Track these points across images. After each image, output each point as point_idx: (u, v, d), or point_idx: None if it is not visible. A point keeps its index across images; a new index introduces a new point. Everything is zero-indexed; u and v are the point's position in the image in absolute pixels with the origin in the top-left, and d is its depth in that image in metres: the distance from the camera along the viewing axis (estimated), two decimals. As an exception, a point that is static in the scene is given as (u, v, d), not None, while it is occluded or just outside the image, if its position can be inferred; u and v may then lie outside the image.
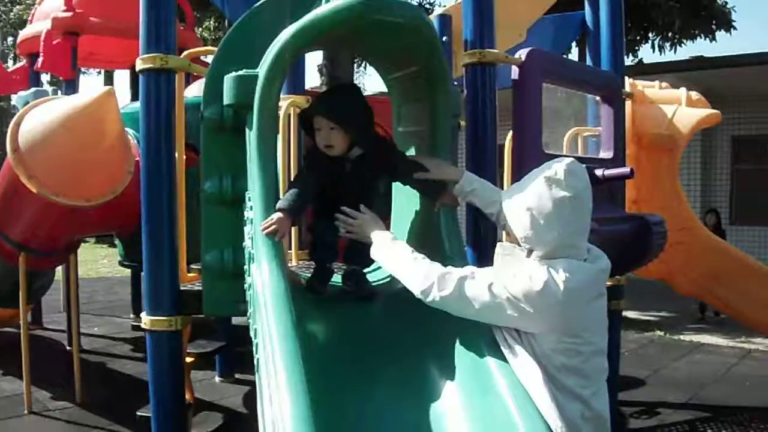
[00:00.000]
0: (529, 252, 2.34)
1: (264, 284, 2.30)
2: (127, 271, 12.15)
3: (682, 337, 9.32)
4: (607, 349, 2.50)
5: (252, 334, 2.48)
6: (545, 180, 2.31)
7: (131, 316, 9.71)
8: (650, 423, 5.96)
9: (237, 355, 6.93)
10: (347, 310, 2.78)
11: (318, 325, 2.65)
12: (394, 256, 2.48)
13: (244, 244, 2.73)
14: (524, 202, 2.33)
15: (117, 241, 6.60)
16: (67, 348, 7.72)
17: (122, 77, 30.35)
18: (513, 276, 2.27)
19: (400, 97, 3.17)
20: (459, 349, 2.42)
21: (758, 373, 7.59)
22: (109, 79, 22.12)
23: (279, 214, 2.51)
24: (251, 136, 2.67)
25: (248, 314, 2.66)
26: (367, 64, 18.16)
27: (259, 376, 2.23)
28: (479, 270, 2.37)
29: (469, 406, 2.26)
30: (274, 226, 2.48)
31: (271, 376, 2.00)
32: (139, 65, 3.18)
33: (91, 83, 24.71)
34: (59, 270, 8.40)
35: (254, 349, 2.38)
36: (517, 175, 3.49)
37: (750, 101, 13.42)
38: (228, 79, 2.73)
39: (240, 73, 2.70)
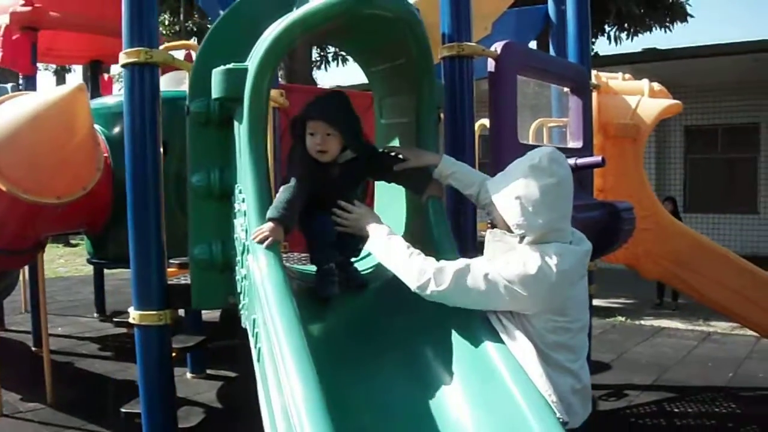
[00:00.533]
0: (521, 238, 2.42)
1: (263, 275, 2.34)
2: (86, 270, 12.06)
3: (642, 322, 9.57)
4: None
5: (248, 324, 2.50)
6: (530, 169, 2.41)
7: (95, 315, 9.61)
8: (619, 405, 6.13)
9: (207, 352, 6.94)
10: (340, 299, 2.82)
11: (313, 314, 2.68)
12: (390, 251, 2.51)
13: (235, 235, 2.75)
14: (513, 192, 2.42)
15: (84, 238, 6.52)
16: (33, 349, 7.62)
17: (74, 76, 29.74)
18: (506, 263, 2.36)
19: (383, 89, 3.22)
20: (455, 332, 2.48)
21: (718, 354, 7.84)
22: (61, 77, 21.74)
23: (271, 224, 2.52)
24: (241, 130, 2.69)
25: (241, 305, 2.68)
26: (328, 59, 18.24)
27: (261, 365, 2.26)
28: (473, 261, 2.43)
29: (469, 389, 2.33)
30: (267, 235, 2.49)
31: (279, 363, 2.04)
32: (123, 59, 3.17)
33: (43, 80, 24.21)
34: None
35: (253, 338, 2.41)
36: (494, 164, 3.58)
37: (702, 92, 13.75)
38: (216, 73, 2.74)
39: (229, 66, 2.72)
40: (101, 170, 5.13)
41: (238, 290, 2.72)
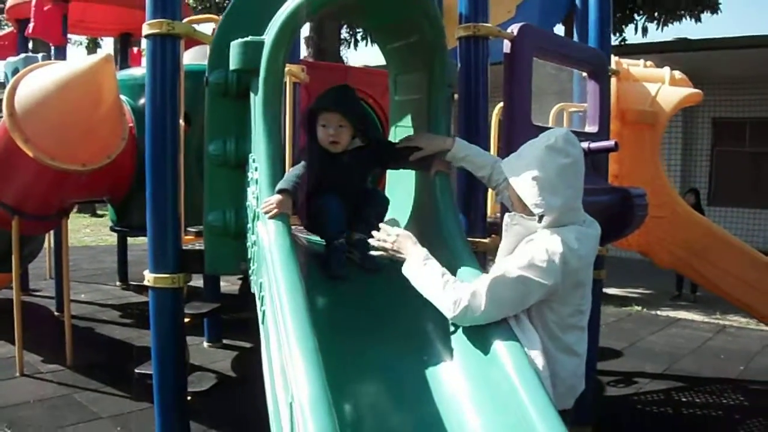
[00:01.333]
0: (540, 218, 2.47)
1: (270, 240, 2.42)
2: (111, 240, 12.29)
3: (659, 312, 9.56)
4: (589, 319, 2.68)
5: (256, 288, 2.60)
6: (547, 149, 2.47)
7: (117, 283, 9.82)
8: (627, 391, 6.17)
9: (224, 323, 7.09)
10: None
11: (318, 283, 2.77)
12: (425, 277, 2.47)
13: (247, 203, 2.84)
14: (530, 172, 2.47)
15: (108, 207, 6.68)
16: (56, 314, 7.82)
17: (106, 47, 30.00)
18: (529, 255, 2.38)
19: (398, 66, 3.28)
20: None
21: (732, 347, 7.83)
22: (92, 50, 21.96)
23: (279, 196, 2.59)
24: (256, 101, 2.77)
25: (251, 270, 2.77)
26: (357, 38, 18.27)
27: (265, 327, 2.35)
28: (497, 268, 2.43)
29: (467, 367, 2.41)
30: (274, 206, 2.56)
31: (280, 324, 2.13)
32: (146, 30, 3.26)
33: (75, 53, 24.47)
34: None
35: (258, 301, 2.50)
36: (507, 146, 3.64)
37: (730, 84, 13.60)
38: (235, 45, 2.83)
39: (247, 39, 2.81)
40: (126, 140, 5.27)
41: (249, 256, 2.81)
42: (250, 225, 2.79)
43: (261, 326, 2.42)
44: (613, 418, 5.42)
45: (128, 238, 9.78)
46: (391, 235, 2.63)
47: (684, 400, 6.04)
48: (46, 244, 8.92)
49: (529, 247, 2.42)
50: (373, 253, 2.94)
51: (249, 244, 2.80)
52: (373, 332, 2.67)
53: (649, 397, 6.09)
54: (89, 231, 16.06)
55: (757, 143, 14.13)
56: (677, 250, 5.64)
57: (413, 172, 3.16)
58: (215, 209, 3.04)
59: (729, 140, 14.45)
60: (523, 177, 2.48)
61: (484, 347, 2.35)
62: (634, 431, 5.28)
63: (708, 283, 5.95)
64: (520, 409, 2.08)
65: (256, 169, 2.74)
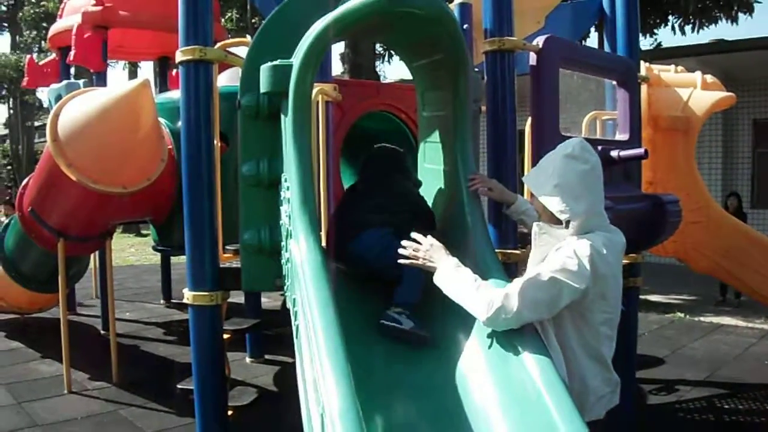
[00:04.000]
0: (567, 224, 2.51)
1: (302, 257, 2.50)
2: (155, 260, 12.52)
3: (702, 318, 9.42)
4: (625, 327, 2.71)
5: (290, 303, 2.67)
6: (565, 158, 2.53)
7: (161, 301, 10.01)
8: (669, 399, 6.11)
9: (266, 338, 7.20)
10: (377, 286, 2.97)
11: (349, 296, 2.84)
12: (457, 283, 2.49)
13: (281, 222, 2.93)
14: (551, 181, 2.52)
15: (150, 228, 6.85)
16: (101, 332, 8.01)
17: (146, 70, 30.70)
18: (560, 260, 2.41)
19: (424, 83, 3.35)
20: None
21: (776, 353, 7.70)
22: (133, 73, 22.44)
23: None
24: (287, 122, 2.86)
25: (285, 287, 2.85)
26: (391, 54, 18.38)
27: (298, 342, 2.43)
28: (531, 273, 2.46)
29: (495, 375, 2.44)
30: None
31: (312, 339, 2.19)
32: (179, 57, 3.38)
33: (116, 76, 25.04)
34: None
35: (293, 316, 2.58)
36: (536, 157, 3.67)
37: (771, 85, 13.37)
38: (264, 69, 2.93)
39: (275, 62, 2.90)
40: (165, 161, 5.41)
41: (283, 273, 2.89)
42: (283, 242, 2.87)
43: (295, 341, 2.49)
44: (653, 426, 5.37)
45: (171, 257, 9.98)
46: (424, 245, 2.64)
47: (726, 407, 5.95)
48: (91, 265, 9.15)
49: (560, 253, 2.45)
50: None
51: (283, 261, 2.88)
52: (394, 341, 2.75)
53: (691, 404, 6.02)
54: (134, 251, 16.37)
55: (799, 144, 13.89)
56: (714, 255, 5.59)
57: (442, 184, 3.21)
58: (250, 228, 3.14)
59: (771, 141, 14.21)
60: (546, 187, 2.54)
61: (512, 355, 2.39)
62: (676, 440, 5.24)
63: (746, 287, 5.90)
64: (545, 415, 2.11)
65: (288, 189, 2.82)
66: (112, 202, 5.46)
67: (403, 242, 2.68)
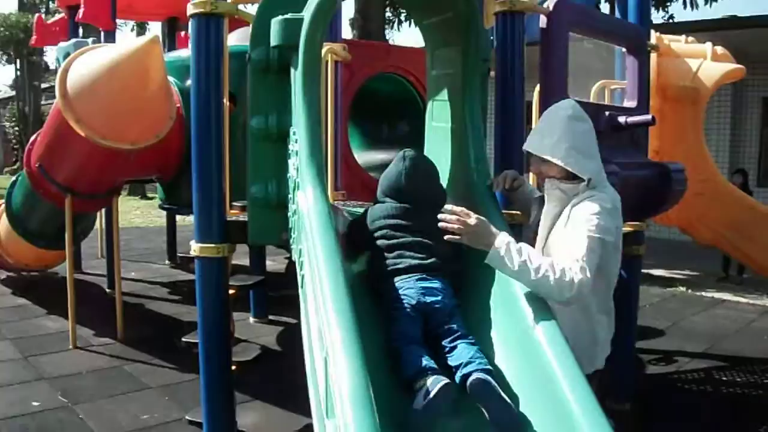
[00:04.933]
0: (588, 182, 2.53)
1: (309, 206, 2.52)
2: (160, 222, 12.57)
3: (703, 293, 9.44)
4: (627, 298, 2.75)
5: (296, 255, 2.71)
6: (569, 119, 2.55)
7: (166, 262, 10.08)
8: (668, 369, 6.17)
9: (270, 299, 7.26)
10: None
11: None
12: (521, 266, 2.30)
13: (288, 174, 2.95)
14: (562, 144, 2.52)
15: (158, 188, 6.89)
16: (107, 290, 8.07)
17: (154, 32, 30.47)
18: (596, 221, 2.40)
19: (434, 42, 3.35)
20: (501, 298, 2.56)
21: (777, 328, 7.74)
22: (141, 34, 22.36)
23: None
24: (296, 75, 2.87)
25: (292, 239, 2.88)
26: (401, 19, 18.28)
27: (303, 291, 2.46)
28: (568, 237, 2.45)
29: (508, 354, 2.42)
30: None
31: (317, 287, 2.22)
32: (190, 10, 3.38)
33: (124, 38, 24.94)
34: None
35: (298, 267, 2.61)
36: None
37: (783, 63, 13.26)
38: (275, 22, 2.94)
39: (287, 16, 2.91)
40: (174, 119, 5.43)
41: (290, 225, 2.93)
42: (291, 195, 2.89)
43: (300, 290, 2.52)
44: (652, 395, 5.43)
45: (177, 218, 10.03)
46: (471, 221, 2.40)
47: (725, 379, 6.01)
48: (97, 225, 9.21)
49: (587, 210, 2.44)
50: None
51: (290, 213, 2.91)
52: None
53: (689, 375, 6.08)
54: (139, 213, 16.43)
55: (808, 123, 13.81)
56: (718, 226, 5.61)
57: (450, 145, 3.22)
58: (258, 181, 3.17)
59: (780, 120, 14.13)
60: (559, 150, 2.53)
61: (522, 322, 2.37)
62: (672, 409, 5.28)
63: (749, 260, 5.93)
64: (552, 383, 2.12)
65: (296, 141, 2.84)
66: (120, 158, 5.50)
67: (443, 216, 2.43)
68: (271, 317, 7.16)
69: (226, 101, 3.59)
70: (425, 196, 2.80)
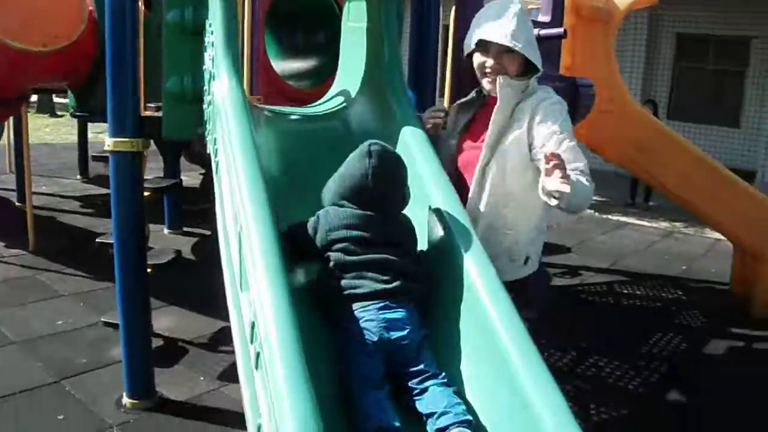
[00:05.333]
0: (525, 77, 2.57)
1: (224, 94, 2.53)
2: (71, 138, 12.19)
3: (610, 216, 9.85)
4: None
5: (210, 144, 2.72)
6: (521, 11, 2.55)
7: (78, 177, 9.83)
8: (572, 282, 6.49)
9: (186, 213, 7.24)
10: (308, 131, 3.04)
11: (276, 143, 2.89)
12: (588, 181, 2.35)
13: (204, 67, 2.94)
14: (522, 35, 2.50)
15: (68, 103, 6.70)
16: (17, 204, 7.87)
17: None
18: (561, 120, 2.49)
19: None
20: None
21: (676, 249, 8.19)
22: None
23: None
24: (212, -29, 2.83)
25: (207, 131, 2.89)
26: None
27: (218, 178, 2.49)
28: (555, 136, 2.44)
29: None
30: None
31: (231, 171, 2.25)
32: None
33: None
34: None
35: (212, 155, 2.63)
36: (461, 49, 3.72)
37: (697, 1, 13.61)
38: None
39: None
40: (86, 22, 5.28)
41: (205, 118, 2.93)
42: (206, 87, 2.88)
43: (215, 177, 2.55)
44: (557, 305, 5.71)
45: (89, 134, 9.76)
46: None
47: (625, 292, 6.38)
48: (4, 140, 8.90)
49: (555, 108, 2.51)
50: None
51: (205, 105, 2.91)
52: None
53: (593, 288, 6.42)
54: (48, 130, 15.83)
55: (719, 61, 14.26)
56: (626, 147, 5.82)
57: (365, 44, 3.23)
58: (173, 75, 3.14)
59: (692, 56, 14.56)
60: (521, 41, 2.49)
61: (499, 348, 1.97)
62: (576, 318, 5.58)
63: (653, 179, 6.18)
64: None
65: (212, 33, 2.82)
66: (31, 61, 5.31)
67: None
68: (185, 229, 7.16)
69: (141, 5, 3.53)
70: (392, 202, 2.33)
